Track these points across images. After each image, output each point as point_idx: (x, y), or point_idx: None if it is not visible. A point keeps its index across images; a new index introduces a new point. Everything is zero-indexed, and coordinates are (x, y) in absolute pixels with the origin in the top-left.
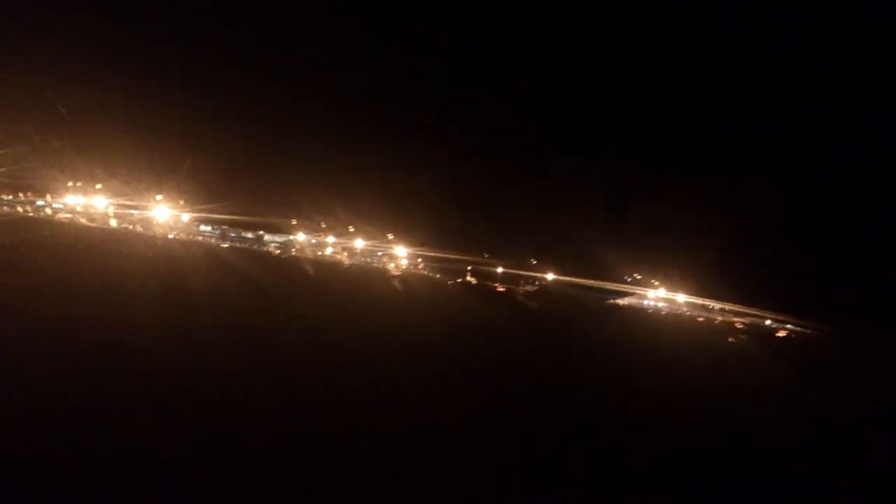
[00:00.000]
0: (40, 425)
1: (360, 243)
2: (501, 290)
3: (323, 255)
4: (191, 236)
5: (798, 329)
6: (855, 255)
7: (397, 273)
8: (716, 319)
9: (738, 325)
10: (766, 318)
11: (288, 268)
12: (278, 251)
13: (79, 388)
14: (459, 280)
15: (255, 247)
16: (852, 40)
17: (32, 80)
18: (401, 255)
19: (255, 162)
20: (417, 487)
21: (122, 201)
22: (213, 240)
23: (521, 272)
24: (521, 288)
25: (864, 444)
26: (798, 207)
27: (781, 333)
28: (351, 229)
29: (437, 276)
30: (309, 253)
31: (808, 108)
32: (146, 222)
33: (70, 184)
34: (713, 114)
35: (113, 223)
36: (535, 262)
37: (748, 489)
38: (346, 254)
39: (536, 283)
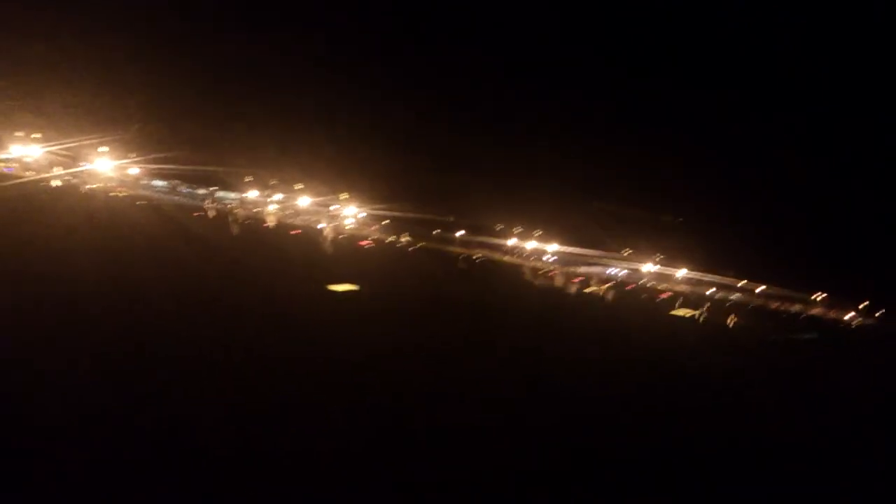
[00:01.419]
0: None
1: (306, 201)
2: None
3: (264, 214)
4: (137, 191)
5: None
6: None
7: (332, 235)
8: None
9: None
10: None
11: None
12: (213, 211)
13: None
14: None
15: (205, 203)
16: (852, 39)
17: None
18: (350, 214)
19: (207, 114)
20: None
21: (64, 152)
22: (158, 195)
23: (484, 238)
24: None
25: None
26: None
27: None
28: (299, 186)
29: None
30: (247, 211)
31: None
32: (91, 176)
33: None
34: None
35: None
36: (501, 228)
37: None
38: (292, 212)
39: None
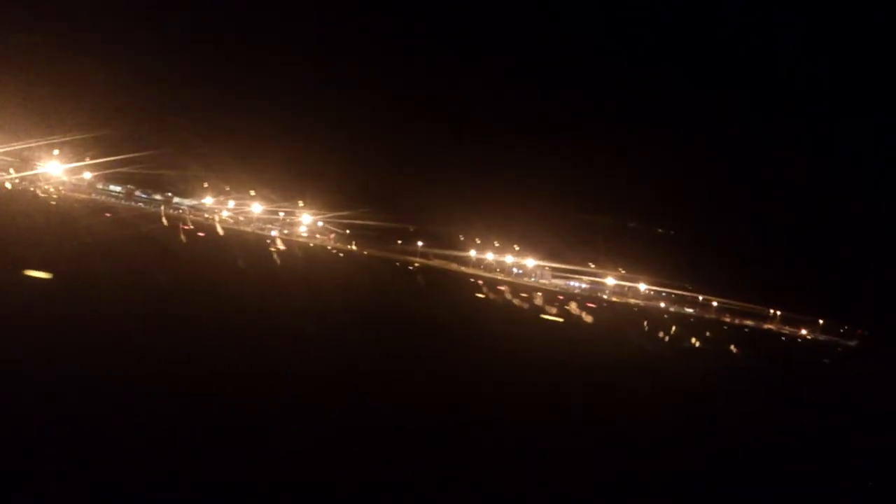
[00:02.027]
0: None
1: (257, 208)
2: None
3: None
4: (91, 196)
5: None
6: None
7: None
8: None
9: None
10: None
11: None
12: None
13: None
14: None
15: (156, 209)
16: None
17: None
18: (303, 224)
19: (167, 120)
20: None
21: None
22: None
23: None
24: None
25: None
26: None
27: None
28: (252, 193)
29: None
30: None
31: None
32: (43, 179)
33: None
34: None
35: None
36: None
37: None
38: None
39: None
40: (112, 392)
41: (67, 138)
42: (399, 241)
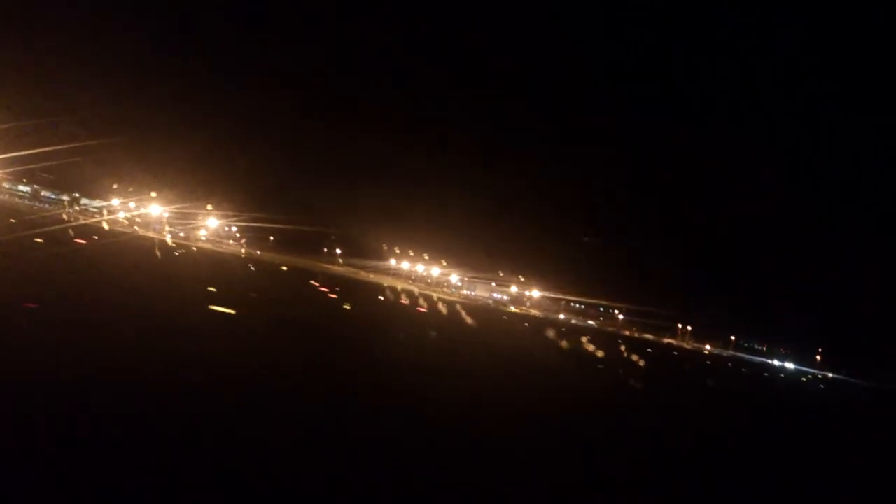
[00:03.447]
0: None
1: (156, 210)
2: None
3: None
4: None
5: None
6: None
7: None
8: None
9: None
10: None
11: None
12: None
13: None
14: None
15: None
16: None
17: None
18: (207, 225)
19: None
20: None
21: None
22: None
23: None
24: None
25: None
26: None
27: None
28: (153, 194)
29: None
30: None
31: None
32: None
33: None
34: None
35: None
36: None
37: None
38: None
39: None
40: None
41: None
42: (310, 247)
